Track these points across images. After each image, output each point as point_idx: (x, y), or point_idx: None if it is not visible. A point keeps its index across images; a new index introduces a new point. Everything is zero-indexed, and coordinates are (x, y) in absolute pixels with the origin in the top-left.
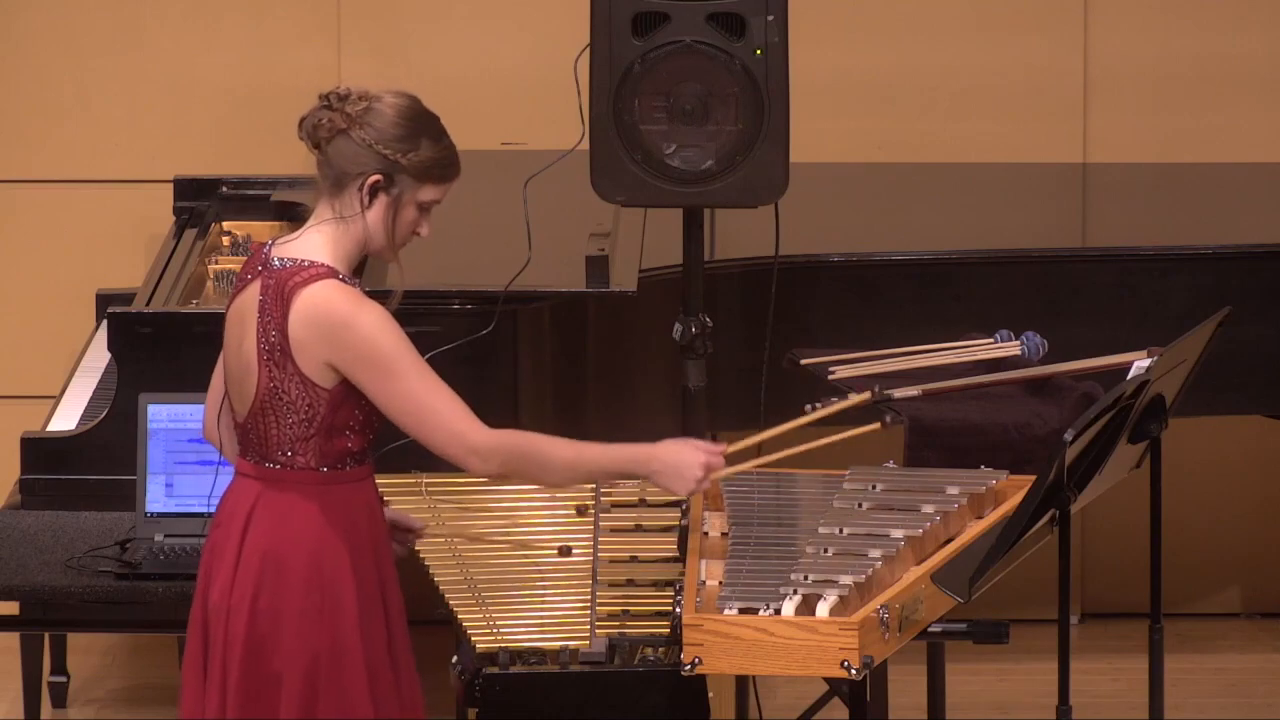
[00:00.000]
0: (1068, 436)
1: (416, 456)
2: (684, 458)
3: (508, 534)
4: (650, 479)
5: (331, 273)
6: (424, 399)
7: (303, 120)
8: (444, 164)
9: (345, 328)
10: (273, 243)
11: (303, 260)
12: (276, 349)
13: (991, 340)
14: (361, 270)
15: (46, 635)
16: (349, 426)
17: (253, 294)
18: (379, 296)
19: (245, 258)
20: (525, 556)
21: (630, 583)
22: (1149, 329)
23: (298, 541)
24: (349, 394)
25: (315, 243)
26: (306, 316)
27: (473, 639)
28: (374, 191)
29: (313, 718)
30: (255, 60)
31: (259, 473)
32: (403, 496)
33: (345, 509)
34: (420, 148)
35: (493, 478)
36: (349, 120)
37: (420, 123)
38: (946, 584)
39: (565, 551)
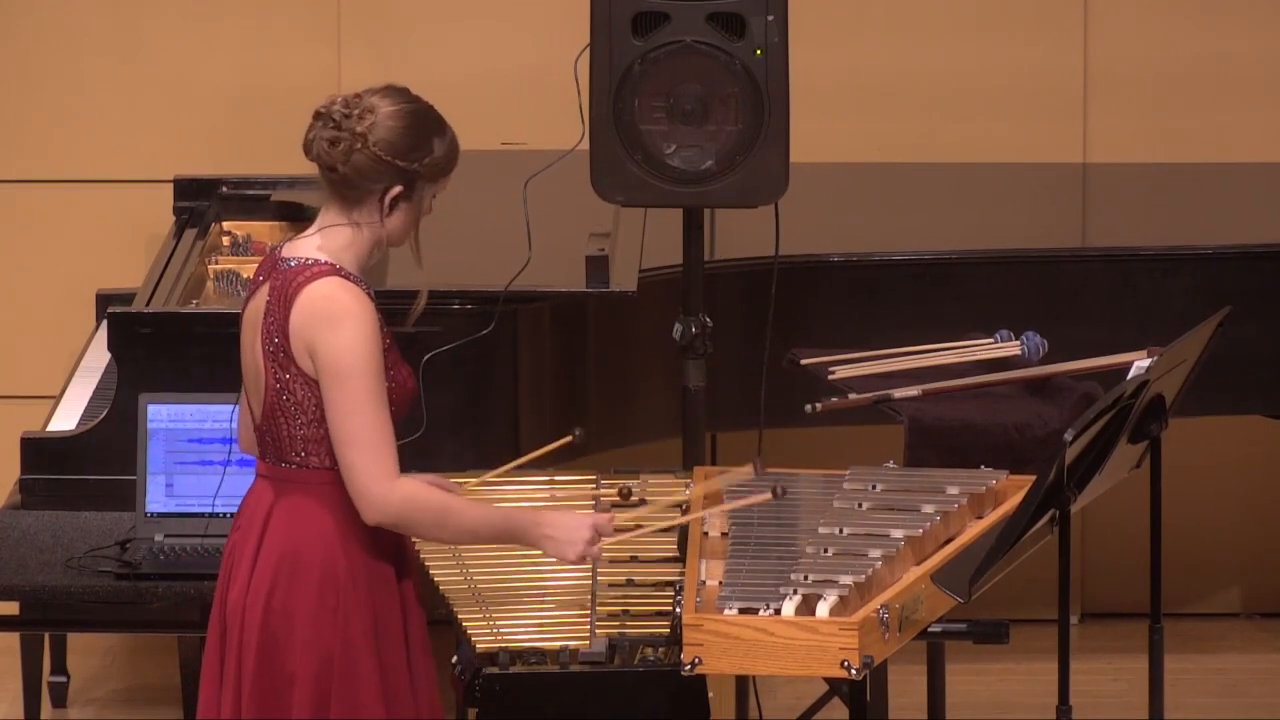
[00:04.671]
0: (1068, 436)
1: (423, 458)
2: (571, 522)
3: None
4: (537, 544)
5: (335, 270)
6: (359, 422)
7: (309, 145)
8: (453, 155)
9: (329, 325)
10: (284, 244)
11: (308, 259)
12: (280, 349)
13: (991, 340)
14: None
15: (46, 635)
16: None
17: (263, 296)
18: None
19: (245, 258)
20: (525, 556)
21: (630, 583)
22: (1149, 329)
23: (312, 541)
24: None
25: (327, 243)
26: (303, 311)
27: (473, 639)
28: (395, 202)
29: (324, 718)
30: (255, 61)
31: (276, 473)
32: None
33: None
34: (434, 150)
35: (385, 526)
36: (355, 137)
37: (425, 124)
38: (946, 584)
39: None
